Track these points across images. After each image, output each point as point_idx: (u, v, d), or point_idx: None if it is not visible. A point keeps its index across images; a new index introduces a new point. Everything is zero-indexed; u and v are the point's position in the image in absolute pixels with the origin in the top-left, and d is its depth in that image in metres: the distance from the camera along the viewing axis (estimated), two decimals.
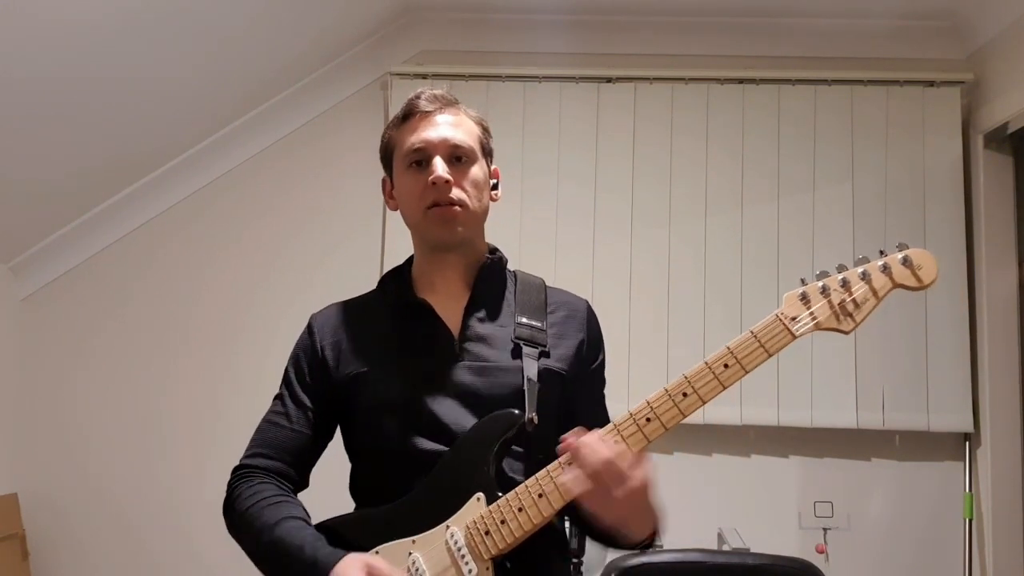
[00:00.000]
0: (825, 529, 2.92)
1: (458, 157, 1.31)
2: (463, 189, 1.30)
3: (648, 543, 1.22)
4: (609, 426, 1.16)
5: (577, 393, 1.34)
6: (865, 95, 3.04)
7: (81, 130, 2.65)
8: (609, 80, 3.09)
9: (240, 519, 1.25)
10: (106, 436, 3.04)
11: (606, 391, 1.43)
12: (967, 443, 2.93)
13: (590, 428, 1.36)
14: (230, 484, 1.30)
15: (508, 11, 3.12)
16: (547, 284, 1.41)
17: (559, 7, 3.09)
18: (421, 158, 1.30)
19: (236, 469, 1.31)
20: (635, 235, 3.03)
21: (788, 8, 3.05)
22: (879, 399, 2.90)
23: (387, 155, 1.38)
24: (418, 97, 1.34)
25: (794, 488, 2.96)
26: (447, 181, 1.28)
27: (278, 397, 1.36)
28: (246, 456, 1.32)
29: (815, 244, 2.99)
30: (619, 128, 3.07)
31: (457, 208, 1.29)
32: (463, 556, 1.15)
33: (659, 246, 3.02)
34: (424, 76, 3.04)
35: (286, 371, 1.37)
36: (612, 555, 2.03)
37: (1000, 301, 2.91)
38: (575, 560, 2.45)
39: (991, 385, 2.87)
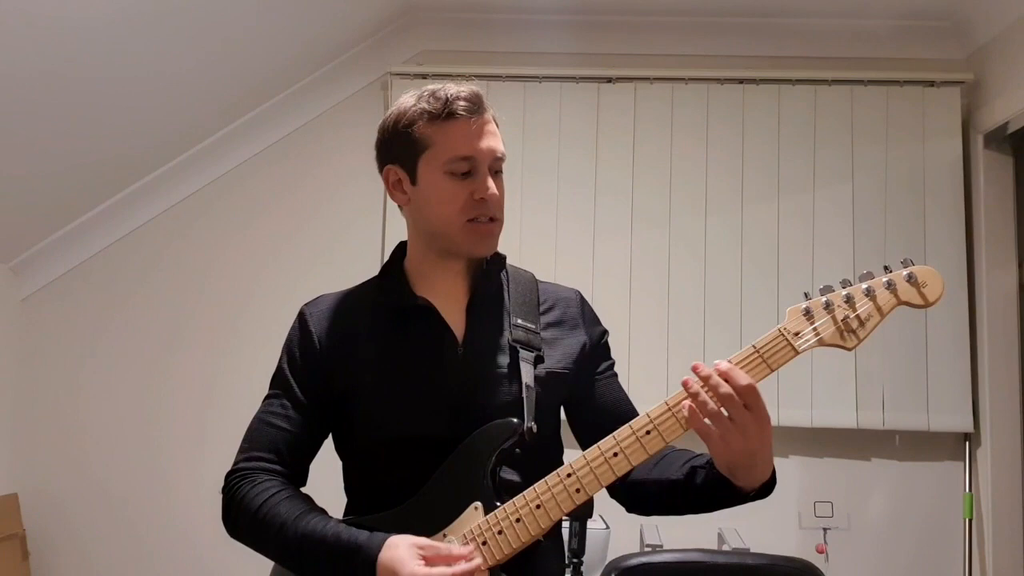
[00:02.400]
0: (825, 529, 2.92)
1: (497, 170, 1.29)
2: (500, 204, 1.29)
3: (769, 488, 1.17)
4: (626, 430, 1.16)
5: (587, 381, 1.35)
6: (865, 95, 3.04)
7: (81, 130, 2.65)
8: (609, 80, 3.09)
9: (253, 521, 1.18)
10: (106, 436, 3.05)
11: None
12: (967, 443, 2.93)
13: (613, 405, 1.36)
14: (228, 489, 1.23)
15: (508, 11, 3.12)
16: (537, 278, 1.40)
17: (559, 7, 3.09)
18: (469, 168, 1.25)
19: (231, 473, 1.25)
20: (635, 235, 3.03)
21: (788, 8, 3.05)
22: (879, 399, 2.90)
23: (411, 148, 1.26)
24: (458, 97, 1.24)
25: (794, 488, 2.96)
26: (497, 198, 1.26)
27: (272, 395, 1.30)
28: (241, 459, 1.26)
29: (815, 244, 2.99)
30: (619, 128, 3.07)
31: (495, 224, 1.28)
32: None
33: (659, 246, 3.02)
34: (424, 76, 3.04)
35: (279, 367, 1.32)
36: (612, 555, 2.04)
37: (1000, 301, 2.91)
38: (575, 560, 2.45)
39: (991, 385, 2.87)
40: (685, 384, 1.11)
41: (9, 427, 3.02)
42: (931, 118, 3.01)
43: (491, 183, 1.25)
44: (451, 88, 1.25)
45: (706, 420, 1.09)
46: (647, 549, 2.52)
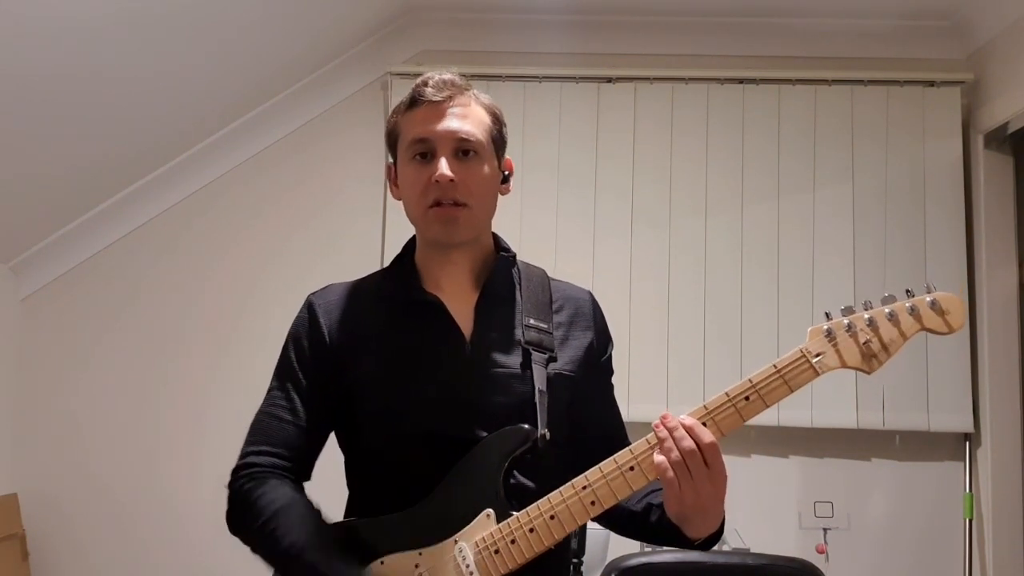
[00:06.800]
0: (825, 529, 2.92)
1: (465, 151, 1.24)
2: (468, 188, 1.23)
3: (715, 539, 1.19)
4: (643, 443, 1.15)
5: (587, 387, 1.33)
6: (865, 95, 3.04)
7: (82, 129, 2.65)
8: (609, 80, 3.09)
9: (260, 533, 1.17)
10: (106, 436, 3.04)
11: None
12: (967, 443, 2.93)
13: (602, 419, 1.36)
14: (236, 487, 1.21)
15: (508, 11, 3.12)
16: (549, 276, 1.39)
17: (559, 7, 3.09)
18: (425, 150, 1.24)
19: (239, 468, 1.23)
20: (635, 235, 3.03)
21: (788, 8, 3.05)
22: (879, 399, 2.90)
23: (392, 141, 1.31)
24: (426, 83, 1.25)
25: (794, 488, 2.96)
26: (451, 180, 1.21)
27: (277, 387, 1.27)
28: (248, 453, 1.23)
29: (815, 244, 2.99)
30: (619, 128, 3.07)
31: (460, 209, 1.23)
32: (471, 574, 1.13)
33: (659, 246, 3.02)
34: None
35: (284, 357, 1.29)
36: (612, 555, 2.04)
37: (1000, 301, 2.91)
38: (575, 560, 2.45)
39: (991, 385, 2.87)
40: (655, 429, 1.12)
41: (9, 427, 3.02)
42: (931, 118, 3.01)
43: (444, 165, 1.21)
44: (427, 76, 1.27)
45: (670, 469, 1.09)
46: (647, 549, 2.52)
